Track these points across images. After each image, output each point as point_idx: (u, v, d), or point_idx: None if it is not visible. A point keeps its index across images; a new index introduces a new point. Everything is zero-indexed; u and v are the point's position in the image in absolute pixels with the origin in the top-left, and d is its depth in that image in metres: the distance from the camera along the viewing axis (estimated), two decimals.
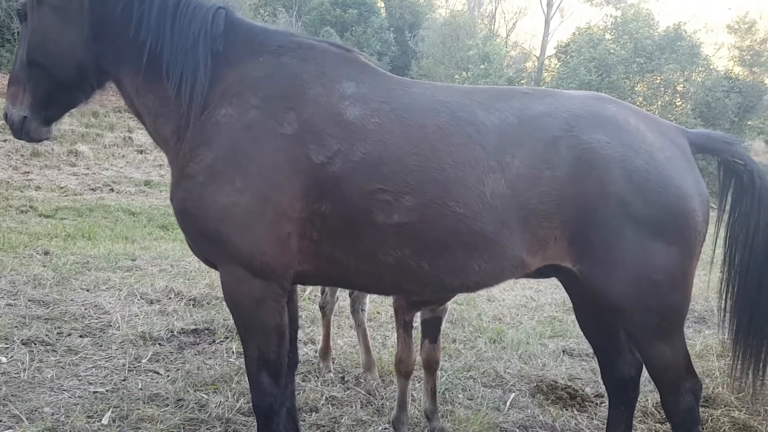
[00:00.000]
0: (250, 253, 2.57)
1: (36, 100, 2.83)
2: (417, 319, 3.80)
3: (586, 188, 2.54)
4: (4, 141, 15.40)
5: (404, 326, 3.54)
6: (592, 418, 4.12)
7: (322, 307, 4.67)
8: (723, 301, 2.93)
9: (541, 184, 2.55)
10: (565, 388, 4.50)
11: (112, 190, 14.68)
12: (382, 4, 35.74)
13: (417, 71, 31.50)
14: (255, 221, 2.54)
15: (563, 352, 5.46)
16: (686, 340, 2.88)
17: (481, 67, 27.98)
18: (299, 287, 4.23)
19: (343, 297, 4.90)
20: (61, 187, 14.12)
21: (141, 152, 18.08)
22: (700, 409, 3.00)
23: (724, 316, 2.95)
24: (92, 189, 14.61)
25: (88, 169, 16.31)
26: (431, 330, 3.64)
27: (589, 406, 4.30)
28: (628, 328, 2.79)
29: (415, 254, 2.58)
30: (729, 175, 2.87)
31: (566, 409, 4.23)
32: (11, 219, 10.10)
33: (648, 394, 4.19)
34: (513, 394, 4.42)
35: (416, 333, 3.91)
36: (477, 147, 2.56)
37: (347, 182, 2.52)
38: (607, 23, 30.67)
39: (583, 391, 4.49)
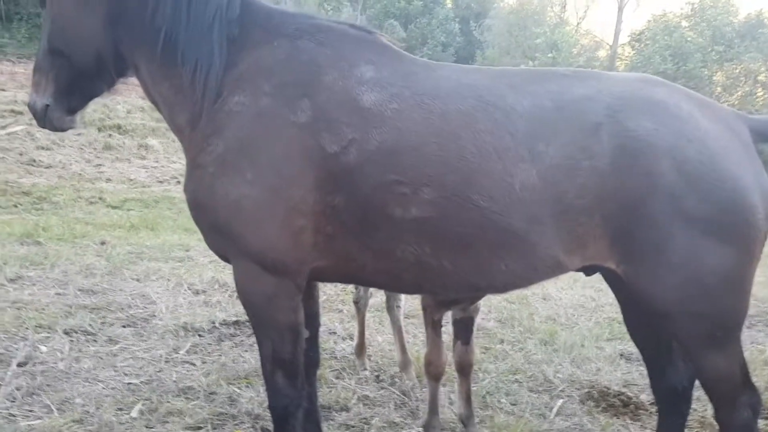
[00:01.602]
0: (261, 248, 2.45)
1: (58, 89, 2.78)
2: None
3: (631, 181, 2.27)
4: (79, 135, 15.98)
5: (433, 326, 3.34)
6: (645, 428, 3.81)
7: (356, 303, 4.53)
8: None
9: (579, 175, 2.29)
10: (618, 394, 4.19)
11: (178, 182, 15.00)
12: None
13: (482, 61, 30.98)
14: (266, 215, 2.41)
15: (621, 356, 5.10)
16: (756, 346, 2.58)
17: (549, 56, 27.26)
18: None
19: (379, 293, 4.74)
20: (131, 179, 14.56)
21: None
22: (763, 422, 2.69)
23: None
24: (160, 181, 15.02)
25: (157, 162, 16.75)
26: (463, 331, 3.43)
27: (643, 414, 3.98)
28: (678, 335, 2.52)
29: (435, 252, 2.39)
30: None
31: (617, 417, 3.93)
32: (80, 210, 10.47)
33: (707, 403, 3.83)
34: (561, 401, 4.14)
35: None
36: (505, 134, 2.34)
37: (362, 173, 2.35)
38: (684, 10, 29.30)
39: (637, 398, 4.17)
